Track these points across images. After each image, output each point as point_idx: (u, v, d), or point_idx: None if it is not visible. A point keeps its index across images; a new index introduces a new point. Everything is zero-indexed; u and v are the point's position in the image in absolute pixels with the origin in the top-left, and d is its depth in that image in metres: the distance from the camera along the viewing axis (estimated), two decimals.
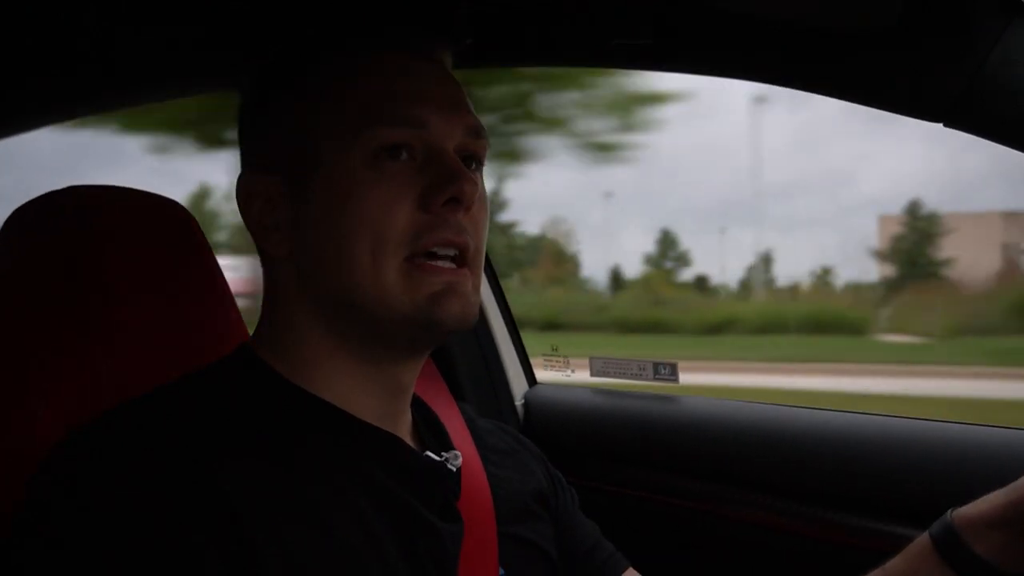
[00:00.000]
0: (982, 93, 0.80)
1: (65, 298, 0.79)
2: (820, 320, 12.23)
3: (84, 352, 0.78)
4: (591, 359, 1.53)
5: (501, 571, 0.81)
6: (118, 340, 0.79)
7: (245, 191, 0.75)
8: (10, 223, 0.82)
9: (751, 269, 16.85)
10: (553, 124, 5.67)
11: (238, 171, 0.78)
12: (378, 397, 0.75)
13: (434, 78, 0.75)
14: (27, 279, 0.81)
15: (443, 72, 0.76)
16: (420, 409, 0.84)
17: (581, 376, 1.59)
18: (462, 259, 0.72)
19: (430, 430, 0.83)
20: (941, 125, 0.85)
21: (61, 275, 0.80)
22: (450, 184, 0.70)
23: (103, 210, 0.83)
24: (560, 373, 1.63)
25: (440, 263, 0.70)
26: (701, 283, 17.08)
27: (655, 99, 6.71)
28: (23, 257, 0.82)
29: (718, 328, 12.51)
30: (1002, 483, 0.78)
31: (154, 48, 1.13)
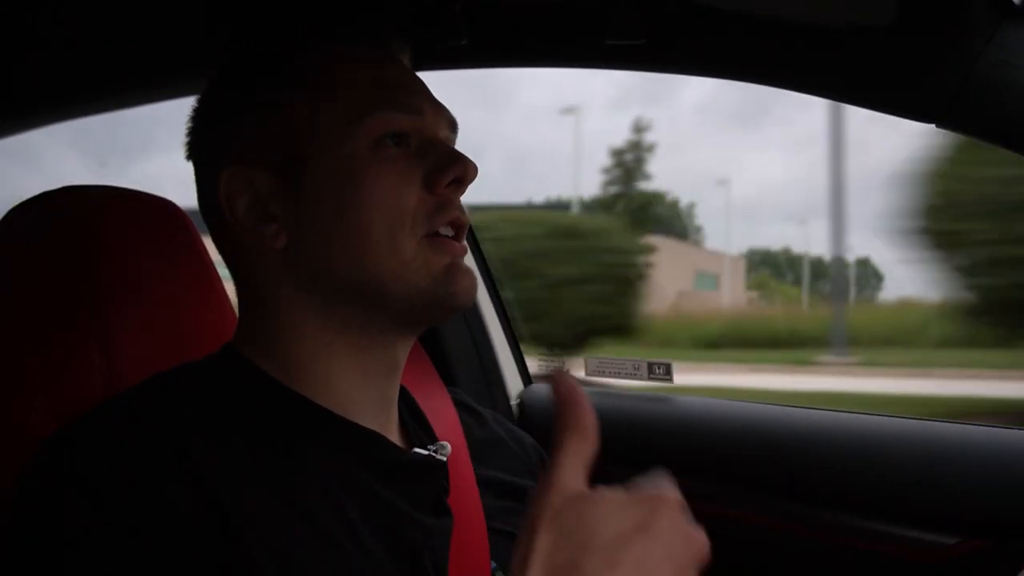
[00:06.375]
0: (975, 94, 0.80)
1: (60, 296, 0.79)
2: None
3: (79, 349, 0.78)
4: (586, 359, 1.53)
5: (493, 565, 0.80)
6: (112, 338, 0.79)
7: (228, 189, 0.71)
8: (6, 222, 0.83)
9: None
10: None
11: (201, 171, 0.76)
12: (370, 386, 0.74)
13: (413, 74, 0.77)
14: (23, 277, 0.81)
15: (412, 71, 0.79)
16: (405, 400, 0.83)
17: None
18: (459, 235, 0.74)
19: (416, 421, 0.82)
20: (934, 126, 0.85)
21: (56, 273, 0.80)
22: (454, 164, 0.72)
23: (98, 209, 0.83)
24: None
25: (446, 238, 0.73)
26: None
27: None
28: (19, 255, 0.82)
29: None
30: (1003, 482, 0.77)
31: (126, 45, 1.12)
